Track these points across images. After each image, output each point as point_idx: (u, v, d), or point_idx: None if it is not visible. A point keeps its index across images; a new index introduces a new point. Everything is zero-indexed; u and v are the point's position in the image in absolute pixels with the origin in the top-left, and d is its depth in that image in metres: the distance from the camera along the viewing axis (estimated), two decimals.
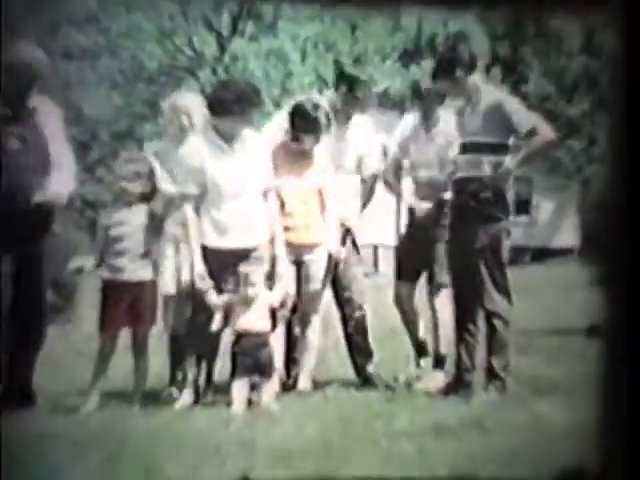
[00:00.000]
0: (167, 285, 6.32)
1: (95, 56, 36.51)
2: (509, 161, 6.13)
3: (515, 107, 6.21)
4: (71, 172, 6.20)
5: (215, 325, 5.93)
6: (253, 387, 5.77)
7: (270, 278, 6.08)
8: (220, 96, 6.09)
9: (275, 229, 6.19)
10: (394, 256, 7.19)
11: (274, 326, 6.07)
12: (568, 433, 4.42)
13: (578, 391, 5.24)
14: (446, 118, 6.70)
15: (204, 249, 6.03)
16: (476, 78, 6.30)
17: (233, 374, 5.78)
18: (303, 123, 6.36)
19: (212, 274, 6.01)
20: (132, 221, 6.09)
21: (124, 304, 6.03)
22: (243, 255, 6.00)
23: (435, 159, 6.76)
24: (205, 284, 5.96)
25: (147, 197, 6.13)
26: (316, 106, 6.42)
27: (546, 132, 6.14)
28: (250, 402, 5.73)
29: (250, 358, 5.77)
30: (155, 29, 35.24)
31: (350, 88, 6.71)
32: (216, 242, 6.05)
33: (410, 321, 6.96)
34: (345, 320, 6.86)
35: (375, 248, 25.32)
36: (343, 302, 6.84)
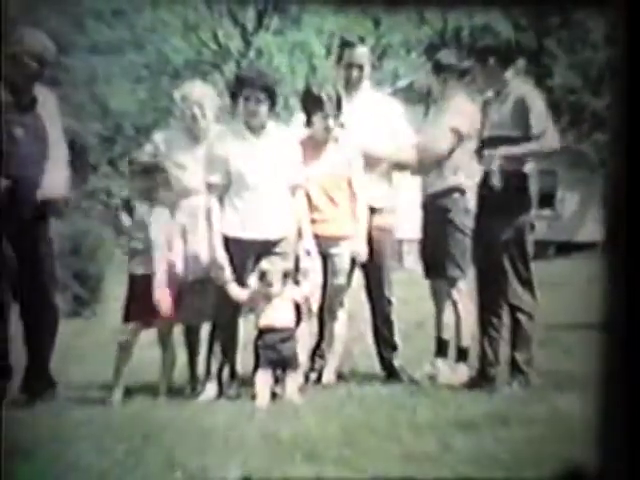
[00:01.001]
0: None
1: (121, 50, 36.65)
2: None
3: (536, 104, 6.16)
4: (64, 162, 6.24)
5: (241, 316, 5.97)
6: (277, 380, 5.78)
7: (296, 273, 6.10)
8: (238, 85, 6.12)
9: (303, 225, 6.20)
10: (420, 252, 7.16)
11: (299, 320, 6.08)
12: (591, 429, 4.41)
13: (601, 386, 5.22)
14: (459, 101, 6.74)
15: (225, 239, 6.06)
16: (507, 70, 6.25)
17: (256, 367, 5.80)
18: (311, 104, 6.41)
19: (233, 265, 6.02)
20: (153, 216, 6.14)
21: (148, 297, 6.07)
22: (265, 247, 6.01)
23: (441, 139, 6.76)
24: (225, 275, 5.98)
25: (165, 191, 6.21)
26: (320, 85, 6.53)
27: (553, 140, 6.11)
28: (274, 395, 5.75)
29: (274, 352, 5.77)
30: (180, 23, 35.35)
31: (349, 58, 6.77)
32: (238, 232, 6.05)
33: (437, 318, 6.97)
34: (375, 313, 6.86)
35: (399, 242, 25.28)
36: (373, 295, 6.84)
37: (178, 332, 6.47)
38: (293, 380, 5.82)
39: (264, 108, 6.04)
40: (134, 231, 6.17)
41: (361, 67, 6.79)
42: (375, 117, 6.76)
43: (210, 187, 6.12)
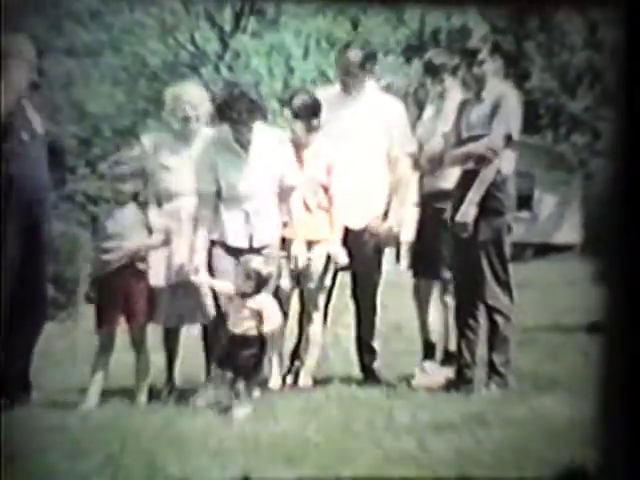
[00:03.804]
0: (157, 277, 6.28)
1: (97, 52, 36.49)
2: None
3: (507, 108, 6.15)
4: None
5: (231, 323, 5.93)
6: (254, 384, 5.75)
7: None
8: (225, 102, 6.07)
9: (294, 228, 6.23)
10: (411, 253, 7.11)
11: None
12: (569, 429, 4.43)
13: (579, 388, 5.24)
14: (454, 97, 6.72)
15: (211, 244, 6.05)
16: (486, 71, 6.24)
17: (235, 372, 5.77)
18: (290, 110, 6.42)
19: (217, 269, 6.02)
20: (125, 218, 6.12)
21: (118, 299, 6.05)
22: (250, 253, 5.98)
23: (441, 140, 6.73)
24: (199, 278, 5.96)
25: (139, 195, 6.20)
26: (295, 92, 6.62)
27: (492, 152, 6.11)
28: (252, 400, 5.71)
29: (247, 355, 5.72)
30: (157, 25, 35.21)
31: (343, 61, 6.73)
32: (223, 238, 6.06)
33: (422, 320, 6.93)
34: (359, 317, 6.85)
35: None
36: (359, 299, 6.82)
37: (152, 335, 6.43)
38: (270, 384, 5.80)
39: (252, 120, 6.07)
40: (105, 230, 6.15)
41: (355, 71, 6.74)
42: (374, 121, 6.72)
43: (199, 194, 6.12)
